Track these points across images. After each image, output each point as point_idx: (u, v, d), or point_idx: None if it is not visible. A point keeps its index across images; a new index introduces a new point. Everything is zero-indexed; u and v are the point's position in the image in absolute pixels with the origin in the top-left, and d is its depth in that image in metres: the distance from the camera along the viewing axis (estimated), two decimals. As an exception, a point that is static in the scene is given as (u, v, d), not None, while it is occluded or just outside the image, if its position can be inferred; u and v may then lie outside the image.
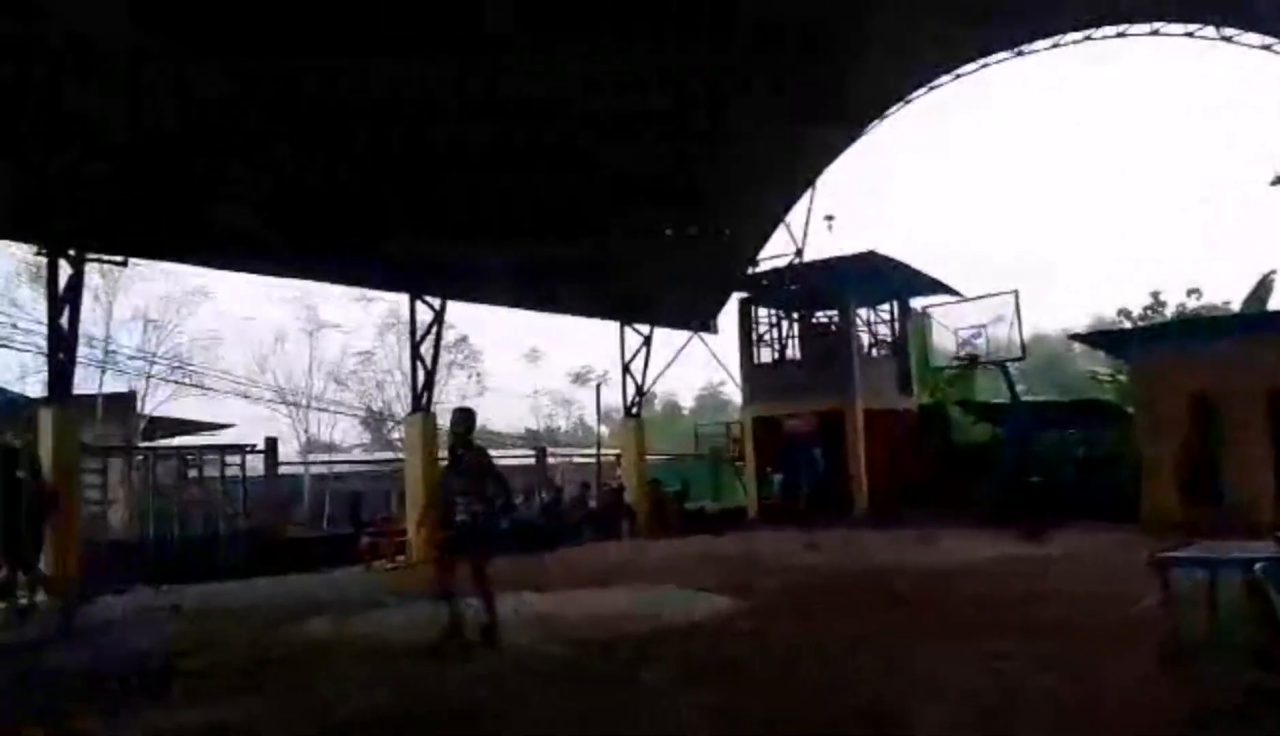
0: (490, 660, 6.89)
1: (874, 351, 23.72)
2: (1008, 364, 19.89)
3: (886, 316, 24.05)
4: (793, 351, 23.85)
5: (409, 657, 7.09)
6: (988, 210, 76.83)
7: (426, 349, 17.11)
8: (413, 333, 17.09)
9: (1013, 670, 5.85)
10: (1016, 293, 19.26)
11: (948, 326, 20.34)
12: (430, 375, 17.04)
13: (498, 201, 17.51)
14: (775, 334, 23.97)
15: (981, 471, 19.75)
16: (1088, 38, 19.51)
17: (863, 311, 23.36)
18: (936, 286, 22.06)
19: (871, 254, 20.05)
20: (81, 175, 12.11)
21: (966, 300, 20.89)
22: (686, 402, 57.14)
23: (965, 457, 21.49)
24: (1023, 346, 19.60)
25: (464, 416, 8.22)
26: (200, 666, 7.15)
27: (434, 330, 17.15)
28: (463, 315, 18.52)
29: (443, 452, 15.37)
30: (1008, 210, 75.80)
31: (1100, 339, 24.36)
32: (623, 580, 11.82)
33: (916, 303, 23.51)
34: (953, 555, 12.89)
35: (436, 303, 17.15)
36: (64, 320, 12.56)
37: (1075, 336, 27.15)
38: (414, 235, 16.27)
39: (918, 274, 21.47)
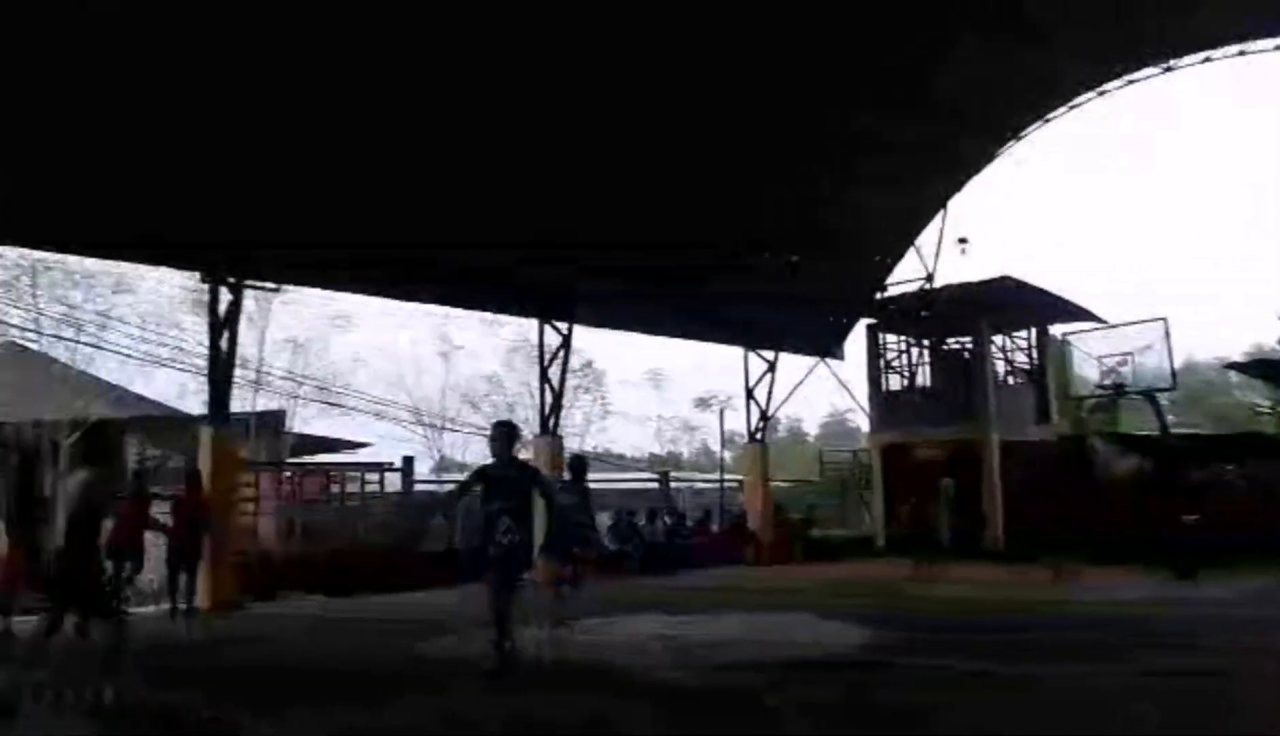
0: (624, 683, 6.95)
1: (1010, 379, 22.87)
2: (1156, 394, 18.84)
3: (1024, 343, 23.16)
4: (923, 378, 23.25)
5: (532, 677, 7.21)
6: (1134, 232, 73.05)
7: (554, 373, 17.49)
8: (541, 357, 17.51)
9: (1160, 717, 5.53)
10: (1165, 319, 18.29)
11: (1090, 354, 19.46)
12: (558, 398, 17.41)
13: (624, 225, 17.83)
14: (905, 360, 23.42)
15: (1127, 507, 18.71)
16: (1241, 52, 18.42)
17: (998, 338, 22.57)
18: (1077, 312, 21.14)
19: (1007, 278, 19.39)
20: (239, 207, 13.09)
21: (1110, 327, 19.95)
22: (811, 429, 56.32)
23: (1109, 492, 20.40)
24: (1173, 375, 18.57)
25: (504, 431, 7.36)
26: (341, 674, 7.51)
27: (562, 354, 17.53)
28: (589, 339, 18.96)
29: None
30: (1156, 232, 71.83)
31: (1260, 368, 22.78)
32: (749, 606, 11.74)
33: (1056, 329, 22.57)
34: (1094, 593, 12.27)
35: (564, 327, 17.54)
36: (223, 343, 13.48)
37: (1232, 365, 25.53)
38: (543, 261, 16.76)
39: (1057, 299, 20.61)
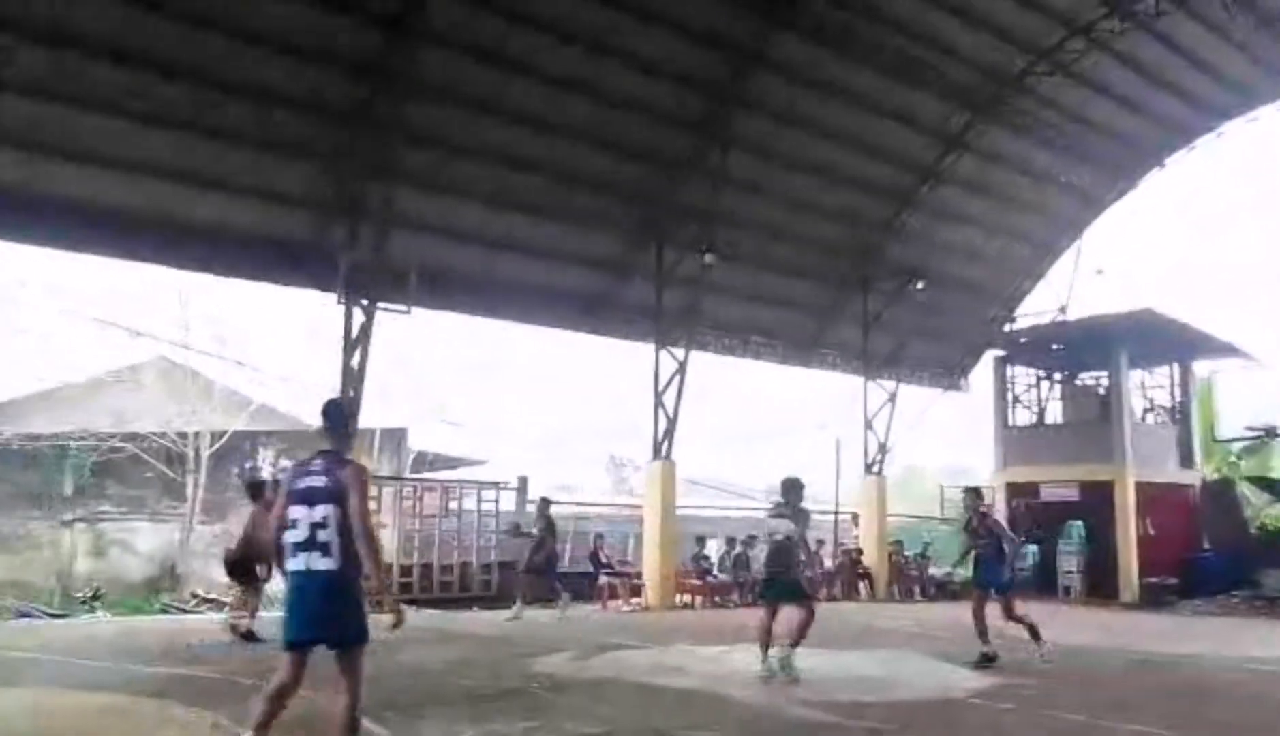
0: (745, 716, 6.84)
1: (1149, 418, 21.64)
2: (1313, 438, 17.57)
3: (1165, 381, 21.92)
4: (1053, 414, 22.23)
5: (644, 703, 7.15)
6: (1288, 264, 68.07)
7: (669, 398, 17.46)
8: (656, 382, 17.51)
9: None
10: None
11: (1240, 393, 18.29)
12: (672, 424, 17.36)
13: (747, 253, 17.86)
14: (1034, 395, 22.47)
15: (1277, 556, 17.44)
16: None
17: (1136, 374, 21.41)
18: (1226, 349, 19.89)
19: (1148, 311, 18.41)
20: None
21: (1262, 365, 18.71)
22: (931, 463, 54.49)
23: (1258, 541, 19.03)
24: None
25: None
26: (469, 687, 7.64)
27: (677, 380, 17.49)
28: (702, 363, 18.76)
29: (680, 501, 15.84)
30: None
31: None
32: (865, 643, 11.39)
33: (1201, 367, 21.28)
34: (1235, 649, 11.41)
35: (680, 353, 17.52)
36: (354, 362, 14.02)
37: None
38: (662, 286, 16.94)
39: (1203, 335, 19.44)
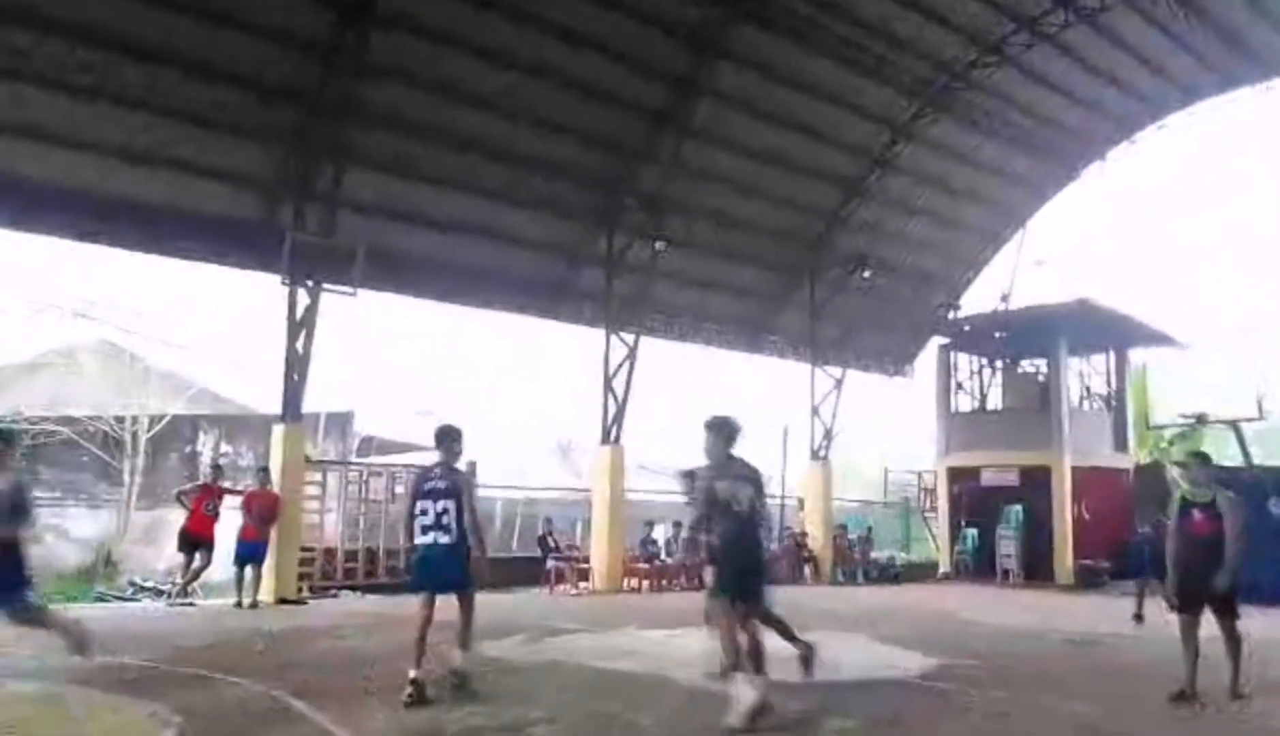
0: (689, 698, 6.89)
1: (1085, 404, 22.19)
2: (1241, 424, 18.12)
3: (1101, 369, 22.48)
4: (995, 400, 22.70)
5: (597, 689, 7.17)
6: (1227, 256, 69.96)
7: (619, 383, 17.47)
8: (606, 366, 17.52)
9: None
10: (1255, 346, 17.63)
11: (1173, 381, 18.83)
12: (621, 409, 17.39)
13: (698, 240, 17.91)
14: (976, 382, 22.91)
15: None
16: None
17: (1074, 362, 21.93)
18: (1160, 337, 20.47)
19: (1085, 302, 18.87)
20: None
21: (1195, 353, 19.30)
22: (875, 448, 55.16)
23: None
24: (1260, 405, 17.84)
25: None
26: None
27: (627, 365, 17.51)
28: (656, 350, 18.77)
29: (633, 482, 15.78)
30: (1251, 256, 68.75)
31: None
32: (812, 625, 11.51)
33: (1136, 355, 21.87)
34: (1167, 631, 11.76)
35: (630, 338, 17.53)
36: (299, 344, 13.78)
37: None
38: (612, 272, 16.93)
39: (1138, 324, 19.99)
